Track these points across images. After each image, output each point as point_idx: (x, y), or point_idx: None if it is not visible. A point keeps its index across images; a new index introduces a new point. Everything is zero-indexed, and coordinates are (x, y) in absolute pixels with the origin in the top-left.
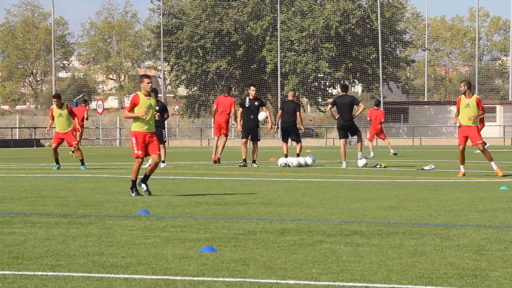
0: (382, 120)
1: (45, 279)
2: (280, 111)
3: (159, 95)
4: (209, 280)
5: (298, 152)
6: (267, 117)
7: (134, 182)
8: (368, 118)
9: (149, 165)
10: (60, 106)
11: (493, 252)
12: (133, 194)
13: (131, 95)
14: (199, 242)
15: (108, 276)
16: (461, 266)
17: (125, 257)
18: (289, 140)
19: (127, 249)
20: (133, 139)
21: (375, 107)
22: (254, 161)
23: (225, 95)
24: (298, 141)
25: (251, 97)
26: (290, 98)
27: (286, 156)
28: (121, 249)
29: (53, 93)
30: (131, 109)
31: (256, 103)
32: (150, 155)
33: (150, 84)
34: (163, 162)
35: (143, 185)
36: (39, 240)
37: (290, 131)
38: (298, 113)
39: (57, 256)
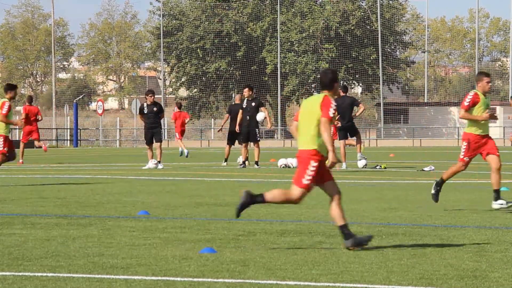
0: (187, 120)
1: (45, 280)
2: (227, 115)
3: (156, 95)
4: (209, 281)
5: (244, 157)
6: (265, 117)
7: (496, 191)
8: (172, 120)
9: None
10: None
11: (493, 253)
12: (502, 204)
13: (470, 94)
14: (199, 243)
15: (108, 277)
16: (461, 267)
17: (125, 258)
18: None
19: (127, 250)
20: (464, 143)
21: (178, 110)
22: (256, 162)
23: (30, 104)
24: (244, 143)
25: (248, 98)
26: (237, 101)
27: (226, 159)
28: (121, 250)
29: (54, 94)
30: (469, 108)
31: (253, 104)
32: (486, 158)
33: (489, 84)
34: (159, 162)
35: (500, 201)
36: (39, 241)
37: (237, 134)
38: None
39: (57, 257)
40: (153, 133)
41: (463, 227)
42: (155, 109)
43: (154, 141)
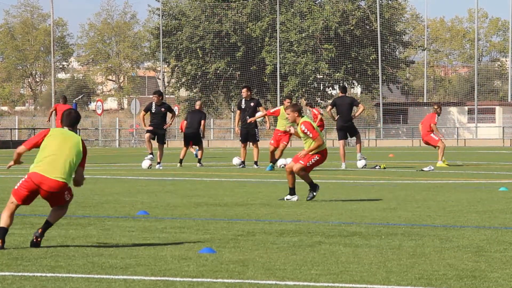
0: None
1: (44, 280)
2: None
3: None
4: (208, 281)
5: (200, 156)
6: (264, 116)
7: None
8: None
9: None
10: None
11: (492, 253)
12: None
13: None
14: (198, 243)
15: (107, 277)
16: (460, 267)
17: (124, 258)
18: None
19: (126, 250)
20: None
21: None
22: (255, 162)
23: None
24: (200, 147)
25: (246, 98)
26: (197, 107)
27: (181, 161)
28: (120, 250)
29: (53, 94)
30: None
31: (252, 104)
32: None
33: None
34: (159, 163)
35: None
36: None
37: (194, 138)
38: (202, 121)
39: (56, 257)
40: (157, 133)
41: (462, 227)
42: (162, 109)
43: (156, 141)
